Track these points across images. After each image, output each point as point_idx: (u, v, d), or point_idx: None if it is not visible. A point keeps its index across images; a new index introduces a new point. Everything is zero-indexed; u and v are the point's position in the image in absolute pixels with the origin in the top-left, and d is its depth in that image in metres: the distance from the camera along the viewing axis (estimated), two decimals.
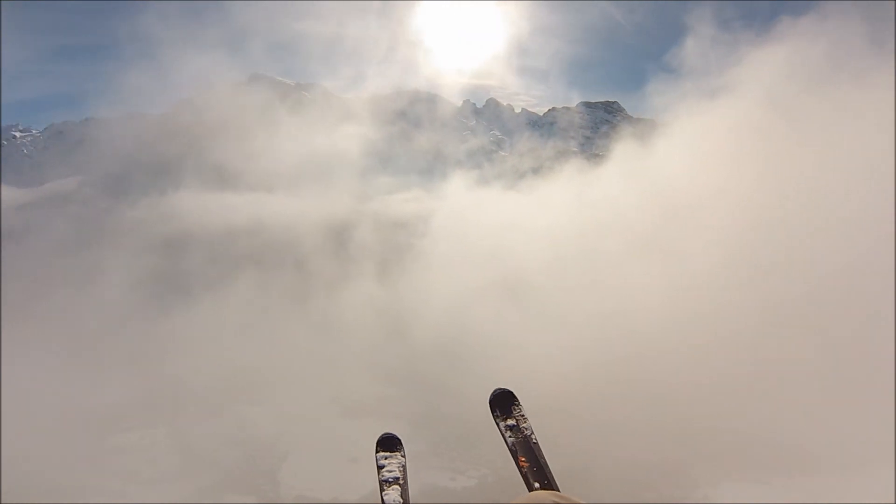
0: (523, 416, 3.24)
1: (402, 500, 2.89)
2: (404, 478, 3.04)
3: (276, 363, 55.76)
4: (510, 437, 3.14)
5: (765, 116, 52.88)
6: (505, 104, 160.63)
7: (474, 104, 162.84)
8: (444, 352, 52.38)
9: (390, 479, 2.99)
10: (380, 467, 3.09)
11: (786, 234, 44.07)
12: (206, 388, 51.55)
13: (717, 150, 55.82)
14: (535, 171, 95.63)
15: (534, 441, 3.08)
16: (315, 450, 40.46)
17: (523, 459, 2.98)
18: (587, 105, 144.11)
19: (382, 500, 2.87)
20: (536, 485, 2.79)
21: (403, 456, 3.20)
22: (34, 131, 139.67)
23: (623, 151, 76.48)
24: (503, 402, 3.30)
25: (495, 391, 3.33)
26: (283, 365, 55.21)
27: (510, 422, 3.22)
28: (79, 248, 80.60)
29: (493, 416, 3.28)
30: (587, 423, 38.09)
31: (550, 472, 2.88)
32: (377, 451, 3.19)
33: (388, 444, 3.24)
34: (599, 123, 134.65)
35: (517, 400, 3.30)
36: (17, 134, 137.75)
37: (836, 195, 41.96)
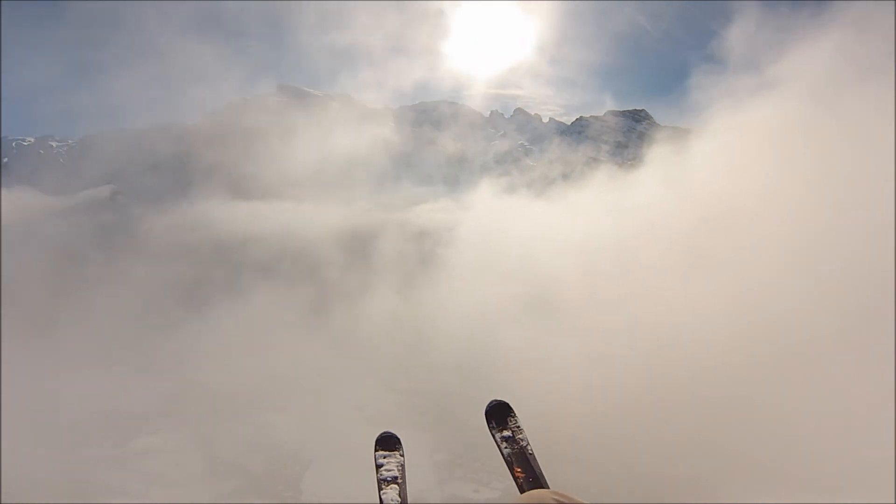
0: (519, 427, 3.30)
1: (400, 500, 2.92)
2: (402, 477, 3.08)
3: (300, 371, 55.90)
4: (506, 447, 3.20)
5: (810, 114, 49.51)
6: (532, 113, 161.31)
7: (502, 114, 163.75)
8: (468, 363, 51.68)
9: (389, 479, 3.03)
10: (378, 466, 3.13)
11: (838, 243, 41.22)
12: (231, 394, 52.02)
13: (758, 152, 52.41)
14: (565, 178, 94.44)
15: (529, 452, 3.14)
16: (339, 458, 40.10)
17: (519, 470, 3.04)
18: (615, 113, 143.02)
19: (380, 499, 2.92)
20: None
21: (402, 455, 3.23)
22: (70, 141, 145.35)
23: (657, 157, 74.06)
24: (499, 414, 3.36)
25: (491, 402, 3.40)
26: (308, 373, 55.30)
27: (506, 433, 3.28)
28: (110, 254, 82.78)
29: (489, 427, 3.34)
30: (614, 440, 36.66)
31: (546, 481, 2.94)
32: (376, 450, 3.22)
33: (387, 443, 3.27)
34: (628, 131, 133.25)
35: (513, 411, 3.36)
36: (54, 144, 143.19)
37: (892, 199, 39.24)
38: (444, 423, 44.24)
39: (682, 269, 50.89)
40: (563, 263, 61.54)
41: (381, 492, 2.97)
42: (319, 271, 76.12)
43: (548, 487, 2.85)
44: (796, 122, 50.64)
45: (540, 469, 3.03)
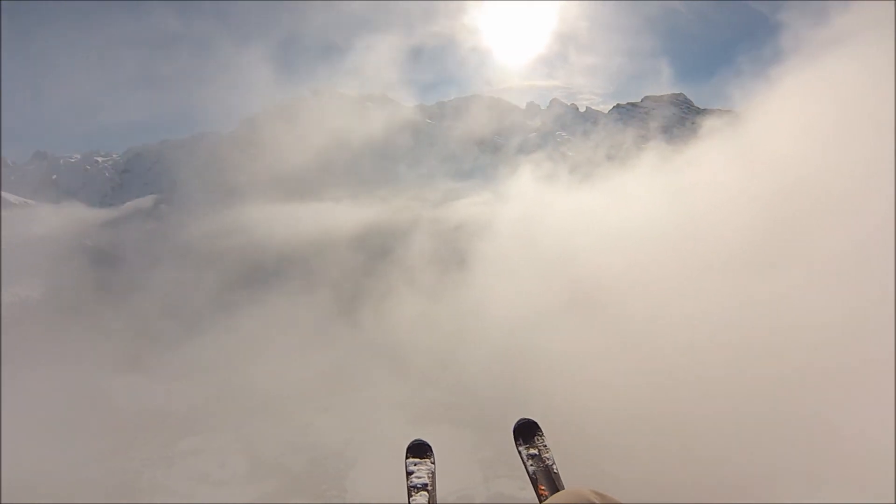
0: (546, 446, 3.40)
1: None
2: (432, 484, 3.17)
3: (340, 371, 56.51)
4: (531, 464, 3.30)
5: (883, 73, 44.08)
6: (569, 104, 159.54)
7: (538, 105, 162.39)
8: (509, 359, 50.59)
9: (418, 485, 3.12)
10: (409, 473, 3.22)
11: None
12: (273, 394, 53.09)
13: (827, 122, 47.71)
14: (610, 160, 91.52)
15: (555, 471, 3.22)
16: (382, 456, 40.13)
17: (542, 488, 3.13)
18: (653, 99, 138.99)
19: None
20: None
21: (433, 462, 3.32)
22: (114, 155, 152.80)
23: (706, 136, 70.30)
24: (526, 432, 3.49)
25: (520, 421, 3.52)
26: (348, 372, 55.86)
27: (532, 451, 3.38)
28: (153, 260, 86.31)
29: (517, 443, 3.47)
30: (660, 448, 34.00)
31: None
32: (407, 458, 3.33)
33: (418, 450, 3.38)
34: (668, 116, 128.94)
35: (541, 430, 3.47)
36: (100, 159, 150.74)
37: None
38: (487, 419, 43.54)
39: (747, 260, 43.67)
40: (609, 255, 57.58)
41: (411, 498, 3.06)
42: (358, 270, 76.89)
43: None
44: (865, 83, 45.75)
45: (563, 488, 3.07)
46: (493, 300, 60.50)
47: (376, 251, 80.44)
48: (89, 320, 65.04)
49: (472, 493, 37.00)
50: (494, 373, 49.45)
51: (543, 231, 69.40)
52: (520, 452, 3.43)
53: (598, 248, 59.29)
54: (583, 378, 40.82)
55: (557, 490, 3.06)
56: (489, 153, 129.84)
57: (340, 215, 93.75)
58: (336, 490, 38.82)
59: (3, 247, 70.41)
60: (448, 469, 36.87)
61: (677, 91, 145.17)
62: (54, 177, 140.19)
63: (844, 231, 38.18)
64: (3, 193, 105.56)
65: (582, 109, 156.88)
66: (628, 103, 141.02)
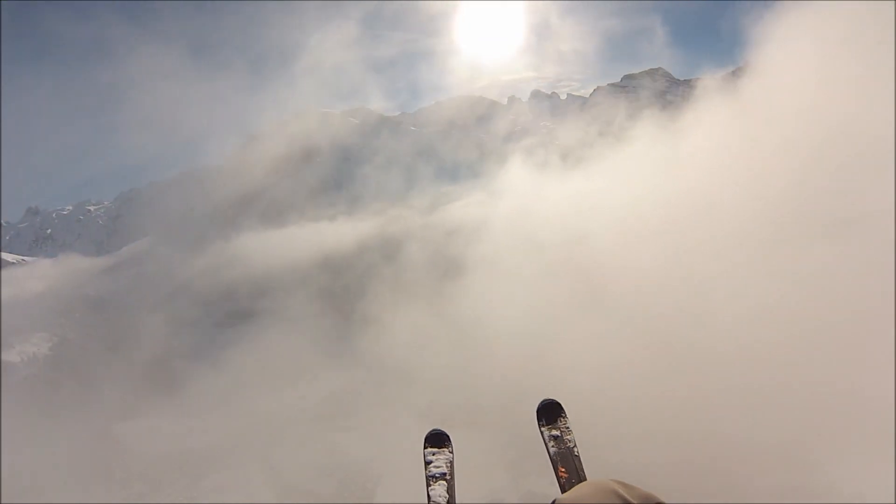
0: (568, 427, 3.40)
1: (447, 496, 2.99)
2: (451, 474, 3.15)
3: (360, 386, 56.34)
4: (553, 446, 3.30)
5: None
6: (549, 93, 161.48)
7: (519, 98, 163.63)
8: (525, 356, 50.13)
9: (437, 475, 3.11)
10: (427, 463, 3.23)
11: None
12: (292, 420, 52.95)
13: (834, 66, 44.31)
14: (599, 143, 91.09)
15: (576, 453, 3.22)
16: (409, 468, 39.75)
17: (563, 470, 3.12)
18: (631, 77, 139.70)
19: (428, 495, 3.00)
20: None
21: (451, 452, 3.29)
22: (106, 202, 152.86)
23: (698, 100, 68.83)
24: (550, 413, 3.51)
25: (544, 401, 3.55)
26: (369, 387, 55.67)
27: (555, 432, 3.38)
28: (155, 302, 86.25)
29: (539, 424, 3.48)
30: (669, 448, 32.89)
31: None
32: (425, 447, 3.32)
33: (437, 440, 3.36)
34: (650, 90, 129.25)
35: (564, 412, 3.48)
36: (91, 208, 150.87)
37: None
38: (511, 419, 43.23)
39: (761, 227, 40.05)
40: (614, 236, 55.93)
41: (430, 488, 3.05)
42: (359, 286, 76.79)
43: None
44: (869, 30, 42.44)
45: (584, 471, 3.09)
46: (499, 298, 60.20)
47: (375, 264, 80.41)
48: (97, 369, 64.94)
49: (502, 494, 36.83)
50: (510, 373, 49.07)
51: (542, 222, 68.98)
52: (542, 433, 3.43)
53: (601, 231, 57.64)
54: (597, 366, 40.09)
55: (578, 473, 3.08)
56: (476, 152, 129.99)
57: (336, 233, 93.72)
58: None
59: (4, 307, 70.33)
60: (476, 472, 36.74)
61: (655, 66, 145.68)
62: (49, 231, 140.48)
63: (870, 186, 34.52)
64: (1, 254, 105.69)
65: (563, 97, 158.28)
66: (608, 84, 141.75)
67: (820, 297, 32.48)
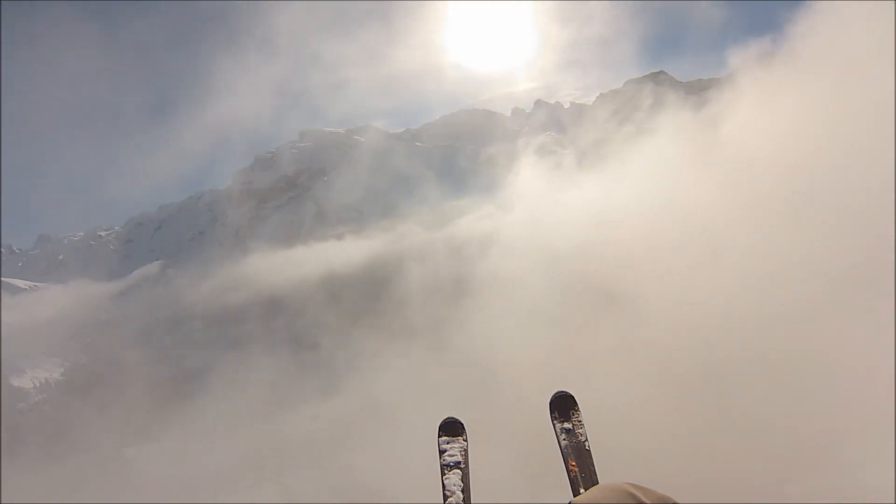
0: (580, 421, 3.40)
1: (462, 485, 2.99)
2: (465, 462, 3.14)
3: (374, 407, 55.76)
4: (564, 439, 3.29)
5: None
6: (553, 102, 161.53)
7: (522, 109, 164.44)
8: (543, 370, 49.32)
9: (451, 464, 3.09)
10: (441, 451, 3.19)
11: None
12: (309, 440, 52.50)
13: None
14: (611, 143, 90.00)
15: (587, 448, 3.23)
16: (425, 492, 39.08)
17: (573, 464, 3.12)
18: (635, 81, 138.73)
19: (443, 483, 2.98)
20: (582, 490, 2.91)
21: (465, 440, 3.28)
22: (116, 227, 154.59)
23: (730, 83, 65.13)
24: (563, 406, 3.48)
25: (557, 393, 3.52)
26: (383, 407, 55.06)
27: (567, 425, 3.37)
28: (166, 326, 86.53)
29: (552, 417, 3.46)
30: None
31: (598, 479, 3.01)
32: (439, 436, 3.30)
33: (451, 428, 3.33)
34: (654, 93, 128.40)
35: (577, 405, 3.47)
36: (102, 233, 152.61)
37: None
38: (529, 433, 42.39)
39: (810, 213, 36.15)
40: (632, 242, 54.21)
41: (444, 477, 3.02)
42: (373, 303, 76.55)
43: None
44: None
45: (594, 466, 3.10)
46: (512, 311, 59.51)
47: (385, 282, 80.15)
48: (109, 393, 65.02)
49: None
50: (529, 386, 48.25)
51: (552, 231, 67.72)
52: (554, 426, 3.41)
53: (616, 239, 55.93)
54: (620, 378, 39.02)
55: (588, 468, 3.08)
56: (483, 165, 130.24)
57: (344, 252, 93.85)
58: None
59: (17, 333, 70.85)
60: (496, 487, 35.97)
61: (657, 69, 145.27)
62: (61, 257, 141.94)
63: None
64: (12, 280, 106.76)
65: (566, 105, 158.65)
66: (611, 90, 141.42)
67: (867, 300, 31.03)
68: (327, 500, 43.10)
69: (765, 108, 49.69)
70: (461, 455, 3.15)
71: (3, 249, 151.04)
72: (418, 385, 55.27)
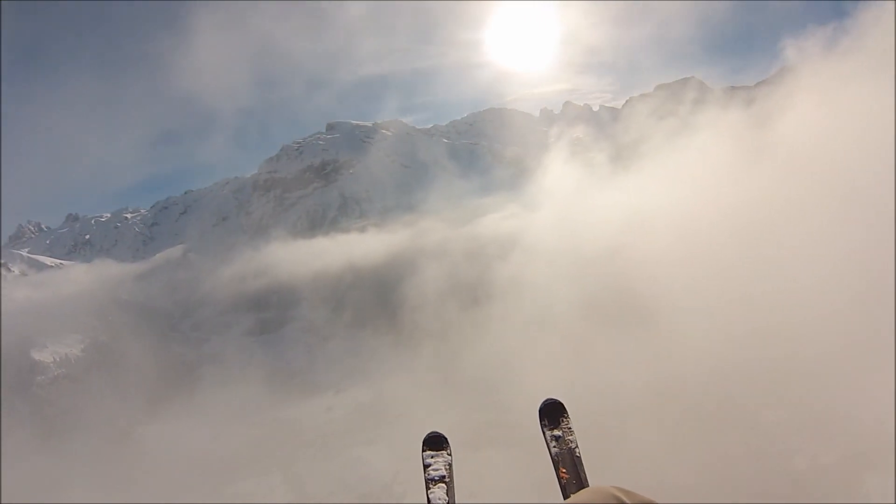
0: (570, 428, 3.36)
1: (447, 499, 2.97)
2: (450, 476, 3.12)
3: (386, 401, 55.47)
4: (554, 447, 3.27)
5: None
6: (581, 105, 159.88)
7: (551, 110, 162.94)
8: (562, 378, 48.01)
9: (436, 478, 3.08)
10: (426, 466, 3.17)
11: None
12: (317, 431, 52.35)
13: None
14: (632, 154, 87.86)
15: (577, 454, 3.21)
16: None
17: (564, 471, 3.11)
18: (665, 87, 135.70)
19: (428, 498, 2.97)
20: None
21: (450, 454, 3.26)
22: (142, 210, 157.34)
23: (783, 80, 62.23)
24: (552, 413, 3.43)
25: (546, 401, 3.47)
26: (394, 402, 54.71)
27: (556, 432, 3.34)
28: (186, 309, 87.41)
29: (542, 424, 3.42)
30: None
31: (588, 486, 2.98)
32: (423, 451, 3.27)
33: (434, 442, 3.32)
34: (687, 100, 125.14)
35: (566, 412, 3.42)
36: (128, 216, 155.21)
37: None
38: (538, 439, 41.18)
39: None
40: (665, 250, 52.04)
41: (429, 491, 3.01)
42: (393, 297, 76.16)
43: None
44: None
45: (584, 473, 3.08)
46: (533, 321, 58.25)
47: (407, 277, 79.64)
48: (126, 372, 65.78)
49: None
50: (541, 394, 47.02)
51: (584, 233, 65.91)
52: (544, 434, 3.37)
53: (652, 242, 53.23)
54: (650, 416, 37.12)
55: (579, 474, 3.07)
56: (510, 165, 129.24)
57: (366, 245, 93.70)
58: None
59: (41, 308, 72.25)
60: (504, 491, 35.20)
61: (688, 75, 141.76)
62: (87, 236, 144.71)
63: None
64: (40, 256, 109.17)
65: (596, 108, 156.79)
66: (641, 94, 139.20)
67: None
68: (335, 491, 42.86)
69: (823, 105, 47.72)
70: (446, 469, 3.14)
71: (30, 227, 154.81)
72: (431, 385, 54.78)
